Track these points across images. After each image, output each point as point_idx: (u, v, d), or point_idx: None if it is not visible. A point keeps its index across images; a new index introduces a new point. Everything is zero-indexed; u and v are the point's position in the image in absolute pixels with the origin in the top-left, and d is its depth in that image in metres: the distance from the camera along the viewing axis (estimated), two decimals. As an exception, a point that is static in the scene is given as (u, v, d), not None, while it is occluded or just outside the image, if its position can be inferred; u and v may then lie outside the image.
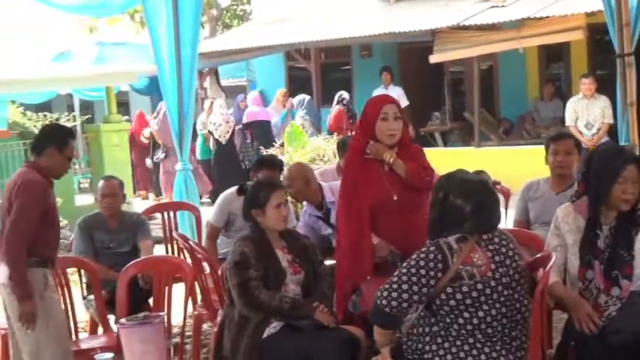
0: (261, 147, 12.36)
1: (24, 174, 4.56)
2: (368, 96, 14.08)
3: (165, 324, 4.38)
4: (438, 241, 3.41)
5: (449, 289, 3.35)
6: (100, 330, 5.26)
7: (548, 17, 11.65)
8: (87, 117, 15.85)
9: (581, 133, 9.98)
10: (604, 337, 3.65)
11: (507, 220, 5.63)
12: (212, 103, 14.55)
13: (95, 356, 4.09)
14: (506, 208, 6.27)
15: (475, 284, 3.33)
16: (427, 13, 13.68)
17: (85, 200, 13.34)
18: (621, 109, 6.29)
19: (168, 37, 7.60)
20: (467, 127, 14.19)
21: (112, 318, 5.26)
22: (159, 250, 6.49)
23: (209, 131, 13.70)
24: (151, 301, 5.25)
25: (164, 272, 4.82)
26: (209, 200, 12.25)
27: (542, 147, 5.47)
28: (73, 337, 4.99)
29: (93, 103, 19.67)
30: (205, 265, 5.34)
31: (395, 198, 4.33)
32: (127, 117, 16.57)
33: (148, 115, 15.51)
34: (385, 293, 3.42)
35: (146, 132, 14.50)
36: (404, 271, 3.41)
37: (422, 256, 3.40)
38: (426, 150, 4.78)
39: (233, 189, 5.99)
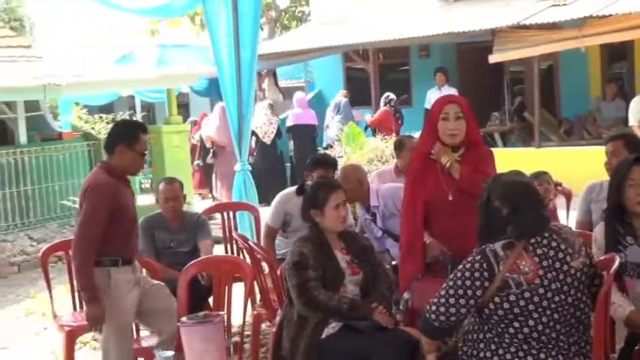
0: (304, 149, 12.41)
1: (93, 176, 4.62)
2: (425, 97, 14.11)
3: (225, 323, 4.41)
4: (484, 248, 3.33)
5: (496, 299, 3.27)
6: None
7: (610, 15, 11.42)
8: (148, 118, 16.10)
9: (644, 132, 9.76)
10: None
11: (569, 221, 5.54)
12: (270, 105, 14.64)
13: (156, 354, 4.15)
14: (567, 210, 6.17)
15: (522, 293, 3.24)
16: (486, 13, 13.54)
17: (146, 200, 13.53)
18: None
19: (228, 39, 7.66)
20: (527, 127, 14.00)
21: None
22: (218, 250, 6.54)
23: (252, 131, 13.77)
24: (210, 300, 5.29)
25: (224, 272, 4.85)
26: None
27: (604, 147, 5.37)
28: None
29: (154, 104, 19.97)
30: (264, 265, 5.36)
31: (450, 199, 4.30)
32: (192, 118, 16.76)
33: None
34: (434, 307, 3.37)
35: (196, 135, 14.63)
36: (451, 283, 3.35)
37: (467, 266, 3.33)
38: (485, 151, 4.71)
39: (289, 189, 6.02)
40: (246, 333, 5.09)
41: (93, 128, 11.87)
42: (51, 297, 5.59)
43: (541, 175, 5.77)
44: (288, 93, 17.34)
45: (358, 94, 15.93)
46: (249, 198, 7.84)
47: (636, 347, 3.76)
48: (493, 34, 12.56)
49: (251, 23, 7.66)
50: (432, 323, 3.39)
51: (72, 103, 14.79)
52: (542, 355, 3.28)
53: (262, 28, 18.32)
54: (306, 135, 13.97)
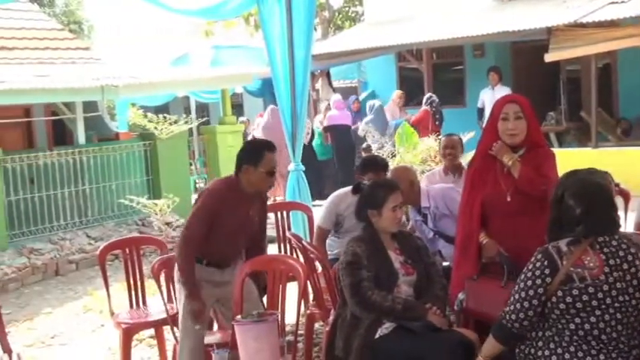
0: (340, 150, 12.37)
1: (212, 183, 4.90)
2: (478, 96, 13.93)
3: (279, 322, 4.43)
4: (547, 247, 3.31)
5: (559, 292, 3.24)
6: (215, 326, 5.36)
7: (671, 12, 11.19)
8: (203, 119, 16.23)
9: None
10: None
11: (627, 223, 5.44)
12: (329, 104, 14.68)
13: (212, 352, 4.19)
14: (625, 211, 6.06)
15: (586, 287, 3.21)
16: (542, 11, 13.37)
17: (201, 200, 13.65)
18: None
19: (282, 39, 7.68)
20: (583, 127, 13.78)
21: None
22: (272, 250, 6.56)
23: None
24: (265, 299, 5.32)
25: (278, 271, 4.88)
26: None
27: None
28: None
29: (208, 105, 20.15)
30: (318, 264, 5.37)
31: (508, 199, 4.26)
32: (242, 118, 16.88)
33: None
34: (513, 316, 3.35)
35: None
36: (519, 287, 3.34)
37: (530, 267, 3.32)
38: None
39: (341, 190, 6.00)
40: (299, 332, 5.10)
41: (156, 128, 11.98)
42: (108, 295, 5.68)
43: (602, 175, 5.67)
44: (342, 93, 17.36)
45: (411, 93, 15.88)
46: (303, 197, 7.85)
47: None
48: (549, 32, 12.38)
49: (305, 24, 7.67)
50: (509, 330, 3.38)
51: (128, 104, 14.99)
52: (601, 357, 3.23)
53: (316, 29, 18.35)
54: (342, 135, 14.00)
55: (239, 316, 4.34)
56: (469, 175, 4.52)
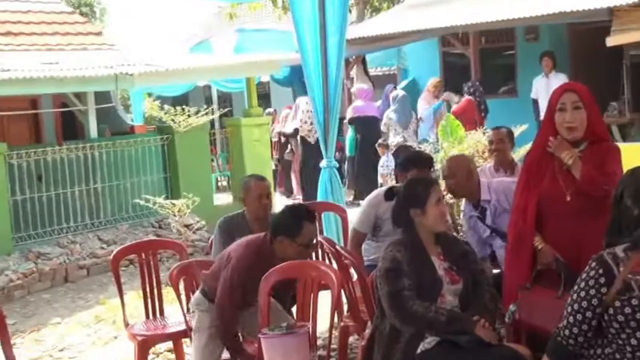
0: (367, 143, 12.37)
1: (242, 245, 4.88)
2: (531, 85, 13.83)
3: (310, 335, 4.43)
4: (602, 254, 3.27)
5: (617, 303, 3.20)
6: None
7: None
8: (228, 109, 16.32)
9: None
10: None
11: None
12: (353, 94, 14.67)
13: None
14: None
15: None
16: (603, -10, 13.22)
17: (224, 200, 13.72)
18: None
19: (314, 22, 7.69)
20: (649, 119, 13.64)
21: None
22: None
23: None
24: (294, 310, 5.32)
25: (309, 279, 4.88)
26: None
27: None
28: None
29: (231, 95, 20.23)
30: (352, 271, 5.36)
31: (568, 199, 4.22)
32: (269, 110, 16.93)
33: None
34: (567, 331, 3.32)
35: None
36: (572, 299, 3.30)
37: (583, 276, 3.28)
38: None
39: (380, 190, 5.99)
40: (332, 347, 5.10)
41: (173, 120, 12.00)
42: (122, 303, 5.72)
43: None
44: (379, 82, 17.32)
45: (456, 81, 15.79)
46: (336, 197, 7.84)
47: None
48: (611, 13, 12.25)
49: (339, 5, 7.67)
50: (565, 348, 3.35)
51: (144, 94, 15.09)
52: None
53: (351, 11, 18.30)
54: (368, 127, 13.96)
55: (266, 329, 4.35)
56: (524, 172, 4.50)
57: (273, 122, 15.60)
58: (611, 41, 12.37)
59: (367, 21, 18.55)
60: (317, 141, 13.40)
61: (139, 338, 5.45)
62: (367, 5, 22.41)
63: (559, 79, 12.35)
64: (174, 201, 10.66)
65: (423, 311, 4.09)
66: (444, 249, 4.39)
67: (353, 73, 16.73)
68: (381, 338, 4.23)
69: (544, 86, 13.08)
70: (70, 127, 14.02)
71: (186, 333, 5.29)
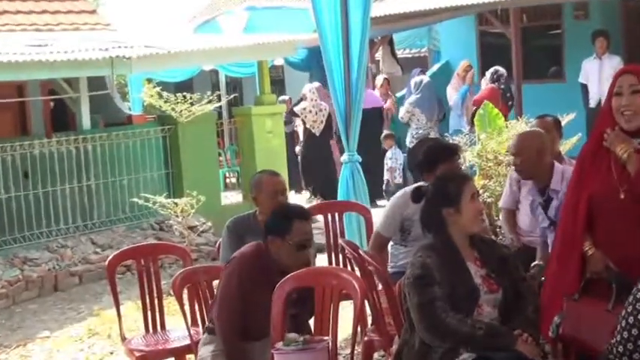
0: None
1: (239, 255, 4.91)
2: (580, 69, 13.76)
3: (330, 351, 4.43)
4: None
5: None
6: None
7: None
8: (233, 95, 16.32)
9: None
10: None
11: None
12: (385, 80, 14.62)
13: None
14: None
15: None
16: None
17: (232, 198, 13.75)
18: None
19: (334, -2, 7.69)
20: None
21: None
22: (321, 261, 6.57)
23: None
24: (312, 322, 5.32)
25: (328, 287, 4.88)
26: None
27: None
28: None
29: (241, 81, 20.26)
30: (377, 279, 5.36)
31: (622, 197, 4.20)
32: (283, 97, 16.94)
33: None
34: (620, 348, 3.34)
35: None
36: (626, 311, 3.32)
37: (638, 286, 3.28)
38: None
39: (404, 190, 5.97)
40: (355, 364, 5.10)
41: (173, 109, 11.98)
42: (119, 315, 5.74)
43: None
44: (407, 65, 17.29)
45: (495, 65, 15.75)
46: (358, 196, 7.83)
47: None
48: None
49: (362, -22, 7.67)
50: None
51: (143, 80, 15.12)
52: None
53: (375, -15, 18.33)
54: (370, 120, 13.90)
55: (280, 343, 4.35)
56: (577, 167, 4.50)
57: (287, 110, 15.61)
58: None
59: (394, -4, 18.54)
60: (322, 133, 13.50)
61: (138, 354, 5.47)
62: (394, -21, 22.41)
63: (613, 62, 12.31)
64: (176, 200, 10.67)
65: (457, 324, 4.08)
66: (481, 253, 4.38)
67: (378, 55, 16.72)
68: (409, 355, 4.23)
69: (596, 69, 13.04)
70: (60, 118, 14.07)
71: (190, 348, 5.30)
